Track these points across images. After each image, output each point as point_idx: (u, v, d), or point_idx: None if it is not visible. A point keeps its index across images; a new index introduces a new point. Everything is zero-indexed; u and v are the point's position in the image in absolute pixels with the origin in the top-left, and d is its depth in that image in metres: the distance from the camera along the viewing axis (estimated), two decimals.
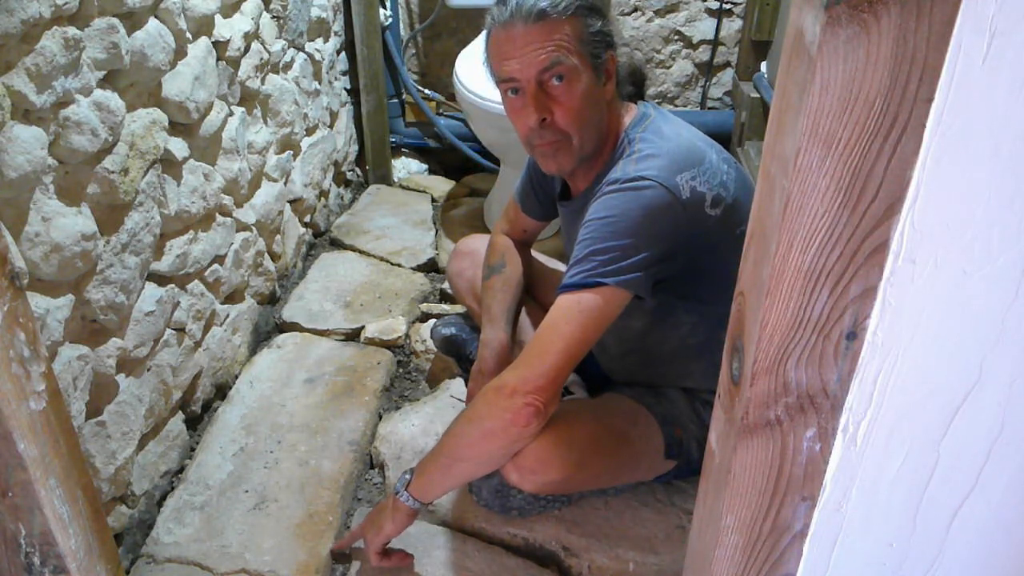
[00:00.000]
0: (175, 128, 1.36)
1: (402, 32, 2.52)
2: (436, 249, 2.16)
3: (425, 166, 2.68)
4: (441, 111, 2.56)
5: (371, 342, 1.78)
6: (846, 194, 0.45)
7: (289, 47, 1.89)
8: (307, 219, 2.11)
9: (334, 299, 1.92)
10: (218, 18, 1.49)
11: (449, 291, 1.89)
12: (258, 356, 1.72)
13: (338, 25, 2.29)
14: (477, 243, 1.59)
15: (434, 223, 2.31)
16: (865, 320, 0.49)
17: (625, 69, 1.17)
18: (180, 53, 1.35)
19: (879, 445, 0.55)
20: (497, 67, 1.12)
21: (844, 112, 0.43)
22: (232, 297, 1.66)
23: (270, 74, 1.79)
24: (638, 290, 1.07)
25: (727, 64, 2.53)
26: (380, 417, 1.59)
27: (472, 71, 2.00)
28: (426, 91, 2.57)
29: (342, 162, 2.39)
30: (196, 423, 1.54)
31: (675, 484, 1.36)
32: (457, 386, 1.61)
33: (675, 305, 1.18)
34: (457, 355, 1.63)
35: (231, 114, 1.57)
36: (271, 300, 1.88)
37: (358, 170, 2.57)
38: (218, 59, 1.50)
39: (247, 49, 1.64)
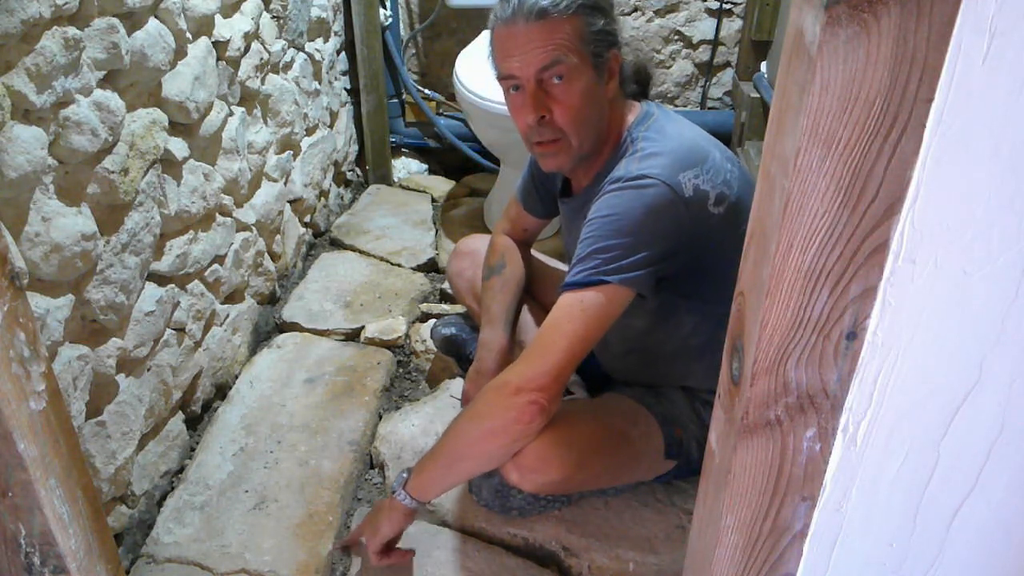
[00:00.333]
0: (175, 128, 1.36)
1: (402, 32, 2.51)
2: (436, 249, 2.16)
3: (425, 166, 2.68)
4: (441, 111, 2.56)
5: (371, 342, 1.78)
6: (846, 194, 0.45)
7: (289, 47, 1.89)
8: (307, 219, 2.11)
9: (334, 299, 1.92)
10: (218, 18, 1.49)
11: (449, 291, 1.89)
12: (258, 356, 1.72)
13: (338, 25, 2.29)
14: (477, 243, 1.59)
15: (434, 223, 2.31)
16: (865, 320, 0.49)
17: (630, 67, 1.17)
18: (180, 53, 1.35)
19: (879, 445, 0.55)
20: (499, 64, 1.13)
21: (844, 112, 0.43)
22: (232, 297, 1.66)
23: (270, 74, 1.79)
24: (641, 288, 1.07)
25: (727, 64, 2.53)
26: (380, 417, 1.59)
27: (472, 71, 2.00)
28: (426, 91, 2.57)
29: (342, 162, 2.39)
30: (196, 423, 1.54)
31: (675, 484, 1.36)
32: (457, 386, 1.61)
33: (678, 304, 1.18)
34: (457, 355, 1.63)
35: (231, 114, 1.57)
36: (271, 300, 1.88)
37: (358, 170, 2.57)
38: (218, 59, 1.50)
39: (247, 49, 1.64)
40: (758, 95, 2.25)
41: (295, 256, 2.02)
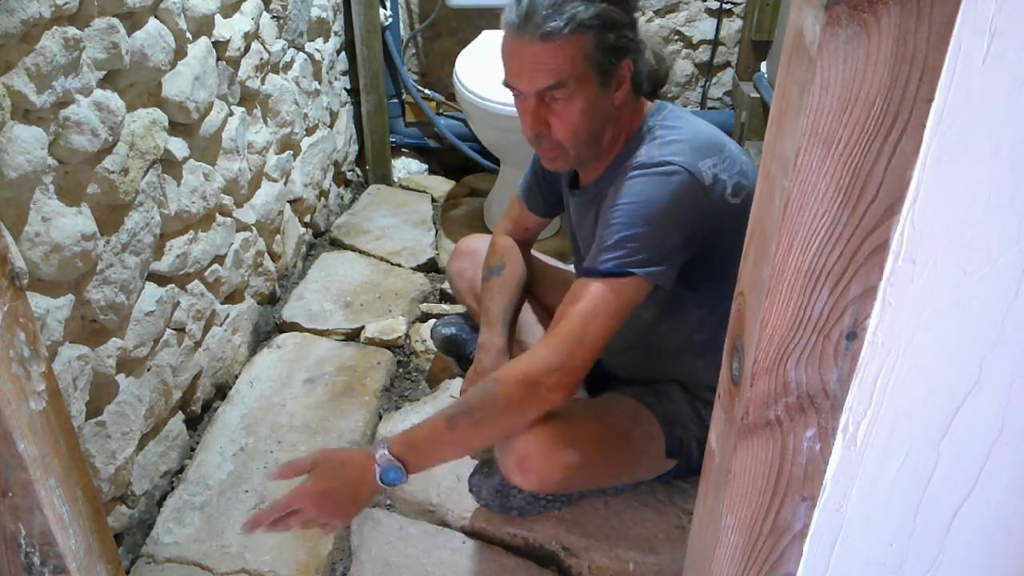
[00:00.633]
0: (175, 128, 1.36)
1: (402, 32, 2.51)
2: (436, 249, 2.16)
3: (425, 166, 2.68)
4: (441, 111, 2.56)
5: (371, 342, 1.78)
6: (846, 194, 0.45)
7: (289, 47, 1.89)
8: (307, 219, 2.11)
9: (334, 299, 1.92)
10: (218, 18, 1.49)
11: (449, 291, 1.89)
12: (258, 356, 1.72)
13: (338, 25, 2.29)
14: (478, 243, 1.59)
15: (434, 223, 2.31)
16: (865, 320, 0.49)
17: (646, 71, 1.16)
18: (180, 53, 1.35)
19: (879, 445, 0.55)
20: (505, 72, 1.12)
21: (844, 112, 0.43)
22: (232, 297, 1.66)
23: (270, 74, 1.79)
24: (663, 281, 1.08)
25: (727, 64, 2.53)
26: (380, 417, 1.59)
27: (472, 71, 2.00)
28: (426, 91, 2.57)
29: (342, 162, 2.39)
30: (196, 423, 1.54)
31: (675, 484, 1.36)
32: (457, 386, 1.61)
33: (686, 298, 1.18)
34: (457, 355, 1.63)
35: (231, 114, 1.57)
36: (271, 300, 1.88)
37: (358, 170, 2.57)
38: (218, 59, 1.50)
39: (247, 49, 1.64)
40: (758, 95, 2.25)
41: (295, 256, 2.02)
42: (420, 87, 2.57)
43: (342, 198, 2.43)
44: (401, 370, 1.75)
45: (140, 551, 1.29)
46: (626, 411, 1.24)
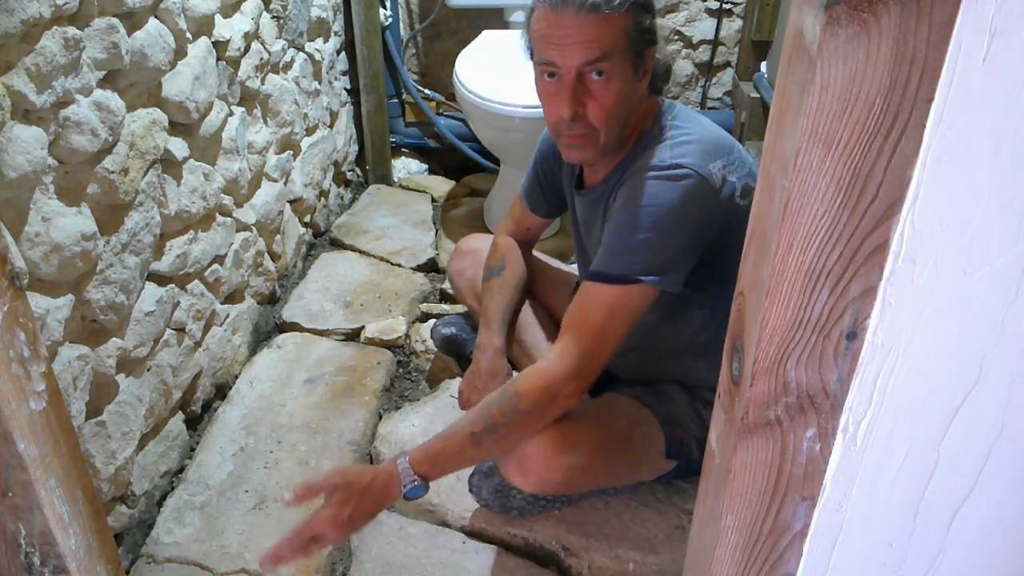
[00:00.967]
0: (175, 128, 1.36)
1: (402, 32, 2.51)
2: (436, 249, 2.16)
3: (425, 166, 2.68)
4: (441, 111, 2.56)
5: (371, 342, 1.78)
6: (846, 194, 0.45)
7: (289, 47, 1.89)
8: (307, 219, 2.11)
9: (334, 299, 1.92)
10: (218, 18, 1.49)
11: (449, 291, 1.89)
12: (258, 356, 1.72)
13: (338, 25, 2.29)
14: (478, 242, 1.59)
15: (434, 223, 2.31)
16: (865, 320, 0.49)
17: (661, 66, 1.16)
18: (180, 53, 1.35)
19: (879, 445, 0.55)
20: (538, 48, 1.08)
21: (844, 112, 0.43)
22: (232, 297, 1.66)
23: (270, 74, 1.79)
24: (673, 288, 1.08)
25: (727, 64, 2.53)
26: (380, 417, 1.59)
27: (472, 71, 2.00)
28: (426, 91, 2.57)
29: (342, 162, 2.39)
30: (196, 423, 1.54)
31: (675, 484, 1.36)
32: (457, 386, 1.61)
33: (689, 299, 1.18)
34: (457, 355, 1.63)
35: (231, 114, 1.57)
36: (271, 300, 1.88)
37: (358, 170, 2.57)
38: (218, 59, 1.50)
39: (247, 49, 1.64)
40: (758, 95, 2.25)
41: (295, 256, 2.02)
42: (420, 87, 2.57)
43: (342, 198, 2.43)
44: (401, 370, 1.75)
45: (140, 551, 1.29)
46: (627, 412, 1.24)
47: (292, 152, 1.94)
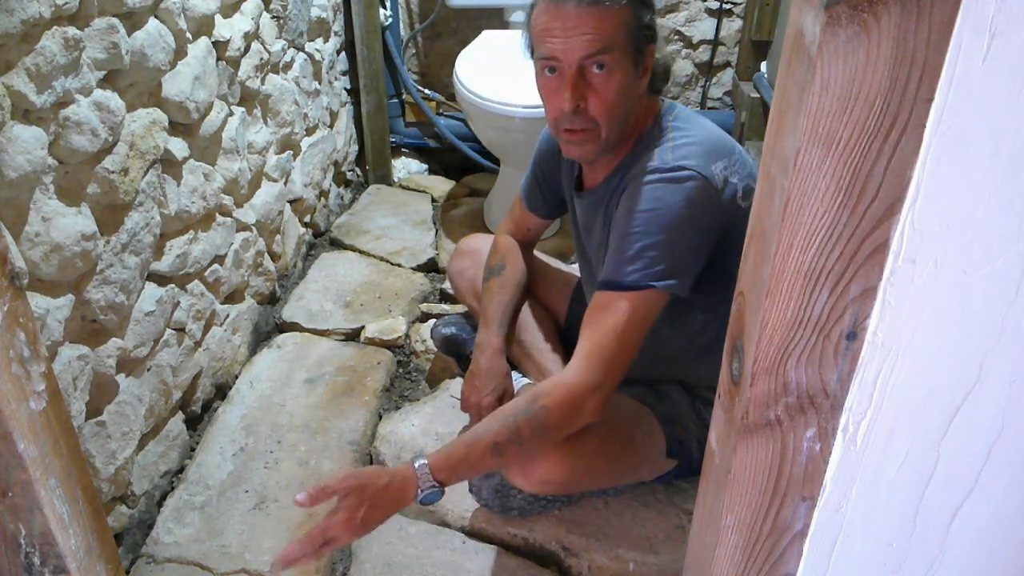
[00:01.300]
0: (175, 128, 1.36)
1: (402, 32, 2.51)
2: (436, 249, 2.16)
3: (425, 166, 2.68)
4: (441, 111, 2.56)
5: (371, 342, 1.78)
6: (846, 194, 0.45)
7: (289, 47, 1.89)
8: (307, 219, 2.11)
9: (334, 299, 1.92)
10: (218, 18, 1.49)
11: (449, 291, 1.89)
12: (258, 356, 1.72)
13: (338, 25, 2.29)
14: (479, 242, 1.59)
15: (434, 223, 2.31)
16: (865, 320, 0.49)
17: (660, 66, 1.16)
18: (180, 53, 1.35)
19: (879, 445, 0.55)
20: (539, 42, 1.08)
21: (844, 112, 0.43)
22: (232, 297, 1.66)
23: (270, 74, 1.79)
24: (684, 292, 1.08)
25: (727, 64, 2.53)
26: (380, 417, 1.59)
27: (472, 71, 2.00)
28: (426, 91, 2.57)
29: (342, 162, 2.39)
30: (196, 423, 1.54)
31: (675, 484, 1.36)
32: (457, 386, 1.61)
33: (690, 301, 1.18)
34: (457, 355, 1.63)
35: (231, 114, 1.57)
36: (271, 300, 1.88)
37: (358, 170, 2.57)
38: (218, 59, 1.50)
39: (247, 49, 1.64)
40: (758, 95, 2.25)
41: (295, 256, 2.02)
42: (420, 87, 2.57)
43: (342, 198, 2.43)
44: (401, 370, 1.75)
45: (140, 551, 1.29)
46: (627, 412, 1.24)
47: (292, 152, 1.94)
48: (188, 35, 1.37)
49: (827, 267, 0.48)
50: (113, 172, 1.15)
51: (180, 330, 1.43)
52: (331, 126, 2.26)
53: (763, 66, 2.33)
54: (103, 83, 1.13)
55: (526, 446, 1.07)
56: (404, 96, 2.54)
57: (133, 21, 1.19)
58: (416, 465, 1.04)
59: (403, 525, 1.33)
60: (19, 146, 0.95)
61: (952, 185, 0.45)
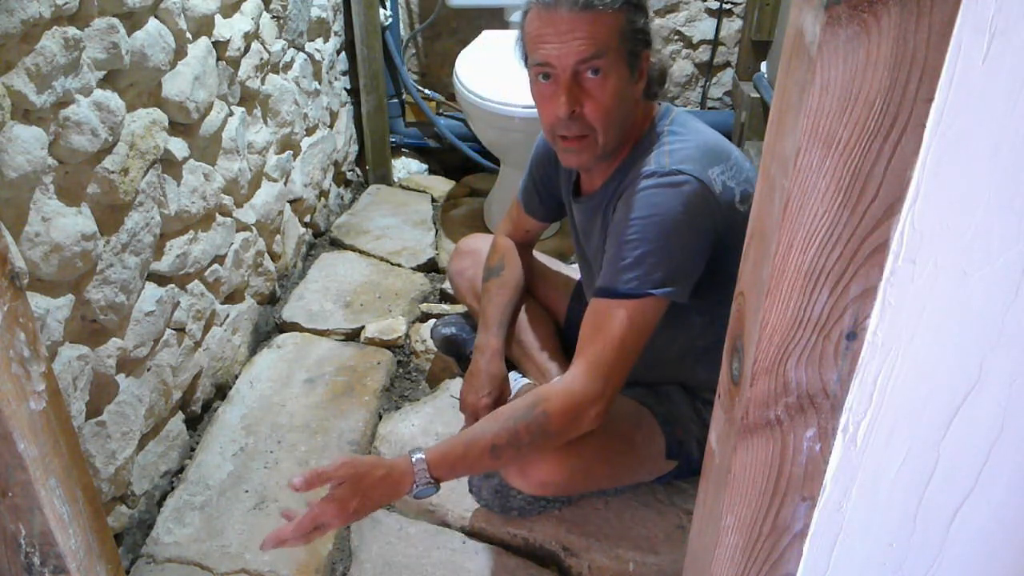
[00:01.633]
0: (175, 128, 1.36)
1: (402, 32, 2.51)
2: (436, 249, 2.16)
3: (425, 166, 2.68)
4: (441, 111, 2.56)
5: (371, 342, 1.78)
6: (846, 194, 0.45)
7: (289, 47, 1.89)
8: (307, 219, 2.11)
9: (334, 299, 1.92)
10: (218, 18, 1.49)
11: (449, 291, 1.89)
12: (258, 356, 1.72)
13: (338, 25, 2.29)
14: (478, 242, 1.59)
15: (434, 223, 2.31)
16: (865, 320, 0.49)
17: (656, 70, 1.15)
18: (180, 53, 1.35)
19: (879, 445, 0.55)
20: (532, 49, 1.08)
21: (844, 112, 0.43)
22: (232, 297, 1.66)
23: (270, 74, 1.79)
24: (683, 298, 1.08)
25: (727, 64, 2.53)
26: (380, 417, 1.59)
27: (472, 71, 2.00)
28: (426, 91, 2.57)
29: (342, 162, 2.39)
30: (196, 423, 1.54)
31: (675, 484, 1.36)
32: (457, 386, 1.61)
33: (689, 306, 1.18)
34: (457, 355, 1.63)
35: (231, 114, 1.57)
36: (271, 300, 1.88)
37: (358, 170, 2.57)
38: (218, 59, 1.50)
39: (247, 49, 1.64)
40: (758, 95, 2.25)
41: (295, 256, 2.02)
42: (420, 87, 2.57)
43: (342, 198, 2.43)
44: (401, 370, 1.75)
45: (140, 551, 1.29)
46: (627, 413, 1.24)
47: (292, 152, 1.95)
48: (188, 35, 1.37)
49: (827, 267, 0.48)
50: (113, 172, 1.15)
51: (180, 330, 1.43)
52: (331, 126, 2.26)
53: (763, 66, 2.33)
54: (103, 83, 1.13)
55: (524, 451, 1.07)
56: (404, 96, 2.54)
57: (133, 21, 1.19)
58: (414, 459, 1.04)
59: (403, 525, 1.33)
60: (19, 146, 0.95)
61: (952, 185, 0.45)
